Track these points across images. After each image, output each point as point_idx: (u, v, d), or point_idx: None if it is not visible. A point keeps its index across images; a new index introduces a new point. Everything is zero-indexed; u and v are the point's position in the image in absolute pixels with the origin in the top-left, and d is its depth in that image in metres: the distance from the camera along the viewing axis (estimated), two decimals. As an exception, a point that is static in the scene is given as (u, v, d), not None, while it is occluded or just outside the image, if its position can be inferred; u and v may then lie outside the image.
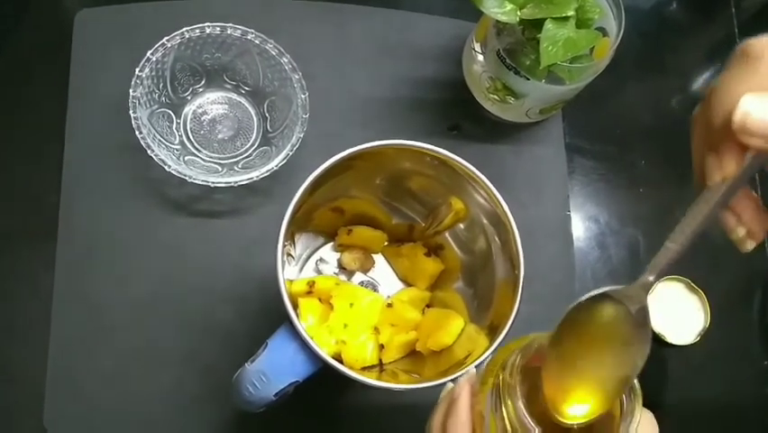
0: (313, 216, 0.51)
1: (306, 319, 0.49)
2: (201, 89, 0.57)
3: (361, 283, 0.55)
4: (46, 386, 0.51)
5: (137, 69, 0.51)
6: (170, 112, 0.56)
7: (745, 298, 0.64)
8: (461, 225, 0.51)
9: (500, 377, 0.29)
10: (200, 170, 0.54)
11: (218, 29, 0.53)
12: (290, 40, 0.55)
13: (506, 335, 0.42)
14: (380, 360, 0.50)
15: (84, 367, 0.52)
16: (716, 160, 0.26)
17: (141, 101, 0.52)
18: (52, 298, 0.53)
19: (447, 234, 0.53)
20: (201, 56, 0.55)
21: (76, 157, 0.55)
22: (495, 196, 0.44)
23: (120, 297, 0.53)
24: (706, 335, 0.60)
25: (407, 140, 0.44)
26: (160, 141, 0.53)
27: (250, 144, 0.57)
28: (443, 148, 0.44)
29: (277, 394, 0.40)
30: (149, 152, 0.50)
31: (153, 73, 0.52)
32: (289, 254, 0.52)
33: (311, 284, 0.49)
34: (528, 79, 0.52)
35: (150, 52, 0.51)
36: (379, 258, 0.56)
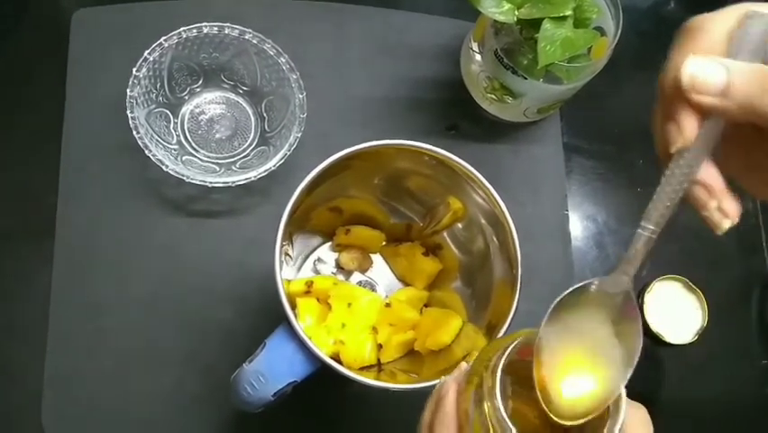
0: (311, 216, 0.51)
1: (305, 319, 0.49)
2: (199, 89, 0.57)
3: (360, 283, 0.55)
4: (44, 386, 0.51)
5: (134, 69, 0.51)
6: (168, 112, 0.56)
7: (743, 297, 0.64)
8: (460, 225, 0.51)
9: (482, 376, 0.29)
10: (198, 170, 0.54)
11: (216, 29, 0.53)
12: (288, 39, 0.55)
13: (504, 334, 0.42)
14: (379, 360, 0.50)
15: (82, 367, 0.52)
16: (675, 126, 0.26)
17: (139, 101, 0.52)
18: (50, 297, 0.53)
19: (445, 234, 0.53)
20: (198, 56, 0.55)
21: (74, 157, 0.55)
22: (493, 195, 0.44)
23: (118, 297, 0.53)
24: (704, 334, 0.60)
25: (406, 140, 0.44)
26: (157, 141, 0.53)
27: (247, 144, 0.57)
28: (442, 148, 0.44)
29: (275, 394, 0.40)
30: (146, 151, 0.50)
31: (151, 73, 0.52)
32: (287, 254, 0.52)
33: (309, 284, 0.49)
34: (526, 79, 0.52)
35: (147, 52, 0.51)
36: (377, 258, 0.56)
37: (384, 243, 0.56)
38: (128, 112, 0.50)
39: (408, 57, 0.63)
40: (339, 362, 0.44)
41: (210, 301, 0.54)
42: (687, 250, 0.64)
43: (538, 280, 0.51)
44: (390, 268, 0.56)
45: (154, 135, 0.53)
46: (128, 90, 0.51)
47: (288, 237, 0.50)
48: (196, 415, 0.52)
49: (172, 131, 0.56)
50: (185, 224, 0.56)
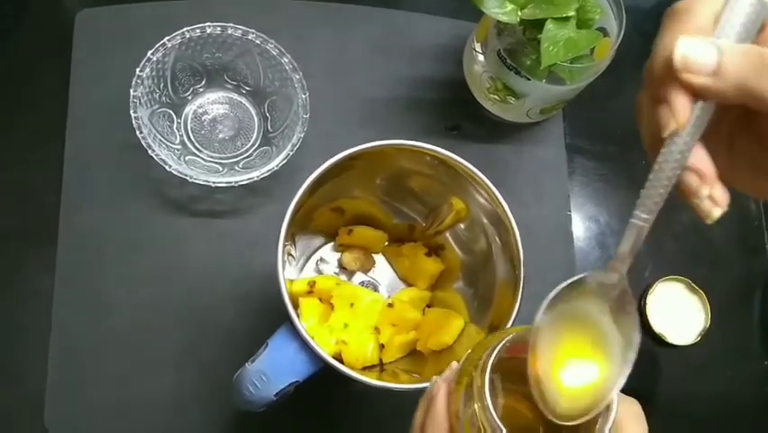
0: (313, 216, 0.51)
1: (307, 319, 0.49)
2: (202, 89, 0.57)
3: (362, 283, 0.55)
4: (47, 386, 0.51)
5: (138, 69, 0.51)
6: (171, 112, 0.56)
7: (745, 298, 0.64)
8: (462, 225, 0.51)
9: (471, 375, 0.29)
10: (201, 170, 0.54)
11: (219, 29, 0.53)
12: (291, 40, 0.55)
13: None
14: (381, 360, 0.50)
15: (85, 367, 0.52)
16: (667, 109, 0.26)
17: (142, 101, 0.52)
18: (53, 298, 0.53)
19: (448, 234, 0.53)
20: (202, 56, 0.55)
21: (76, 157, 0.55)
22: (495, 196, 0.44)
23: (120, 297, 0.54)
24: (706, 335, 0.60)
25: (408, 140, 0.44)
26: (160, 141, 0.53)
27: (250, 144, 0.58)
28: (444, 148, 0.44)
29: (277, 394, 0.41)
30: (149, 151, 0.50)
31: (154, 73, 0.52)
32: (290, 254, 0.52)
33: (312, 284, 0.49)
34: (529, 79, 0.52)
35: (150, 52, 0.51)
36: (379, 258, 0.56)
37: (386, 243, 0.56)
38: (131, 112, 0.50)
39: (410, 57, 0.63)
40: (341, 362, 0.44)
41: (212, 301, 0.54)
42: (689, 251, 0.64)
43: (540, 280, 0.50)
44: (393, 268, 0.57)
45: (157, 135, 0.53)
46: (131, 90, 0.51)
47: (291, 237, 0.50)
48: (199, 414, 0.53)
49: (175, 131, 0.56)
50: (188, 224, 0.56)
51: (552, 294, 0.28)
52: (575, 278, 0.28)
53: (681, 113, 0.25)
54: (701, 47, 0.25)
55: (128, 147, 0.53)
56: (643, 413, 0.30)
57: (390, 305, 0.51)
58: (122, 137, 0.53)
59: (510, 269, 0.44)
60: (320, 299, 0.50)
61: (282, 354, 0.40)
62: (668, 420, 0.60)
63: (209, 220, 0.56)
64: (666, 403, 0.60)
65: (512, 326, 0.42)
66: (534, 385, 0.28)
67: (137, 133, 0.50)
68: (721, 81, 0.25)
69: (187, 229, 0.56)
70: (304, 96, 0.53)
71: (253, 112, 0.58)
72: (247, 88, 0.58)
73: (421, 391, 0.39)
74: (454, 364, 0.34)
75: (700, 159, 0.26)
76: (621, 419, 0.28)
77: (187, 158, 0.55)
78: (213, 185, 0.51)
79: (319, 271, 0.55)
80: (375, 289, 0.55)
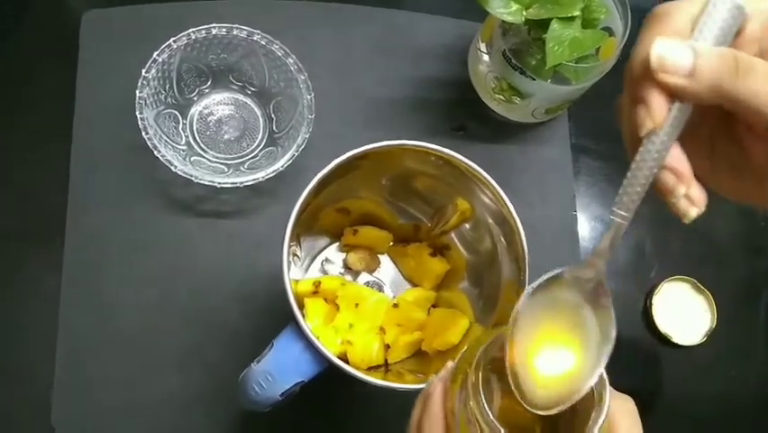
0: (319, 217, 0.51)
1: (312, 320, 0.49)
2: (207, 90, 0.57)
3: (367, 283, 0.55)
4: (54, 386, 0.51)
5: (143, 70, 0.51)
6: (177, 113, 0.56)
7: (751, 298, 0.64)
8: (467, 226, 0.51)
9: (467, 373, 0.29)
10: (206, 171, 0.54)
11: (224, 30, 0.53)
12: (296, 41, 0.55)
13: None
14: (386, 360, 0.50)
15: (91, 367, 0.52)
16: (644, 109, 0.26)
17: (148, 102, 0.52)
18: (59, 298, 0.53)
19: (453, 235, 0.53)
20: (207, 57, 0.55)
21: (83, 157, 0.56)
22: (501, 196, 0.44)
23: (126, 297, 0.54)
24: (712, 335, 0.60)
25: (413, 140, 0.44)
26: (166, 141, 0.53)
27: (256, 145, 0.58)
28: (449, 148, 0.44)
29: (283, 394, 0.41)
30: (155, 152, 0.50)
31: (160, 74, 0.52)
32: (295, 255, 0.52)
33: (317, 284, 0.49)
34: (534, 79, 0.52)
35: (156, 53, 0.52)
36: (384, 258, 0.56)
37: (391, 243, 0.56)
38: (137, 113, 0.51)
39: (415, 57, 0.63)
40: (346, 362, 0.44)
41: (218, 301, 0.55)
42: (695, 251, 0.64)
43: (546, 280, 0.50)
44: (398, 268, 0.57)
45: (163, 136, 0.53)
46: (137, 91, 0.51)
47: (296, 238, 0.50)
48: (204, 414, 0.53)
49: (181, 132, 0.56)
50: (193, 224, 0.56)
51: (530, 287, 0.29)
52: (553, 272, 0.29)
53: (658, 112, 0.26)
54: (677, 48, 0.25)
55: (134, 148, 0.53)
56: (636, 410, 0.30)
57: (395, 305, 0.51)
58: (128, 138, 0.54)
59: (515, 269, 0.44)
60: (325, 300, 0.50)
61: (287, 354, 0.41)
62: (673, 420, 0.60)
63: (214, 221, 0.56)
64: (671, 403, 0.60)
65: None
66: (510, 374, 0.28)
67: (143, 133, 0.50)
68: (696, 82, 0.25)
69: (193, 230, 0.56)
70: (309, 97, 0.53)
71: (259, 113, 0.58)
72: (252, 89, 0.58)
73: (426, 392, 0.40)
74: (450, 363, 0.34)
75: (677, 158, 0.27)
76: (614, 415, 0.29)
77: (192, 159, 0.55)
78: (218, 186, 0.51)
79: (324, 272, 0.55)
80: (380, 289, 0.55)
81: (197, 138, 0.57)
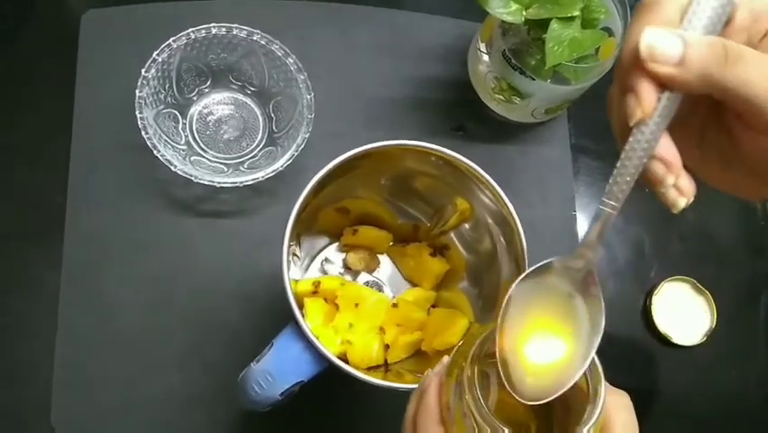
0: (318, 217, 0.51)
1: (312, 319, 0.49)
2: (207, 90, 0.57)
3: (367, 283, 0.55)
4: (53, 386, 0.51)
5: (143, 70, 0.51)
6: (176, 112, 0.56)
7: (751, 298, 0.64)
8: (467, 225, 0.51)
9: (462, 367, 0.29)
10: (206, 171, 0.54)
11: (224, 29, 0.53)
12: (296, 40, 0.55)
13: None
14: (386, 360, 0.50)
15: (91, 366, 0.52)
16: (633, 98, 0.26)
17: (148, 101, 0.52)
18: (59, 298, 0.53)
19: (452, 235, 0.53)
20: (207, 56, 0.55)
21: (82, 157, 0.56)
22: (500, 196, 0.44)
23: (126, 297, 0.54)
24: (712, 335, 0.60)
25: (413, 140, 0.44)
26: (166, 141, 0.53)
27: (255, 145, 0.58)
28: (449, 148, 0.44)
29: (282, 394, 0.41)
30: (155, 152, 0.50)
31: (159, 74, 0.52)
32: (295, 254, 0.52)
33: (316, 284, 0.49)
34: (534, 80, 0.52)
35: (156, 53, 0.52)
36: (384, 258, 0.56)
37: (391, 243, 0.56)
38: (137, 112, 0.51)
39: (415, 57, 0.63)
40: (346, 362, 0.44)
41: (218, 301, 0.55)
42: (695, 251, 0.64)
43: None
44: (397, 268, 0.57)
45: (163, 136, 0.53)
46: (137, 91, 0.51)
47: (296, 238, 0.50)
48: (204, 414, 0.53)
49: (180, 131, 0.56)
50: (193, 224, 0.56)
51: (520, 277, 0.29)
52: (543, 262, 0.29)
53: (647, 101, 0.26)
54: (667, 38, 0.25)
55: (133, 147, 0.53)
56: (631, 404, 0.30)
57: (395, 305, 0.51)
58: (127, 138, 0.54)
59: (515, 269, 0.44)
60: (325, 300, 0.50)
61: (287, 354, 0.41)
62: (672, 421, 0.60)
63: (214, 220, 0.56)
64: (671, 403, 0.60)
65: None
66: (500, 362, 0.28)
67: (142, 133, 0.50)
68: (686, 71, 0.25)
69: (193, 229, 0.56)
70: (309, 97, 0.53)
71: (258, 112, 0.58)
72: (252, 89, 0.58)
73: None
74: (446, 358, 0.34)
75: (667, 148, 0.27)
76: (609, 410, 0.29)
77: (192, 158, 0.55)
78: (218, 185, 0.51)
79: (324, 272, 0.55)
80: (380, 289, 0.55)
81: (197, 138, 0.57)
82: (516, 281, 0.29)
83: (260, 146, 0.57)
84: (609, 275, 0.62)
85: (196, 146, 0.57)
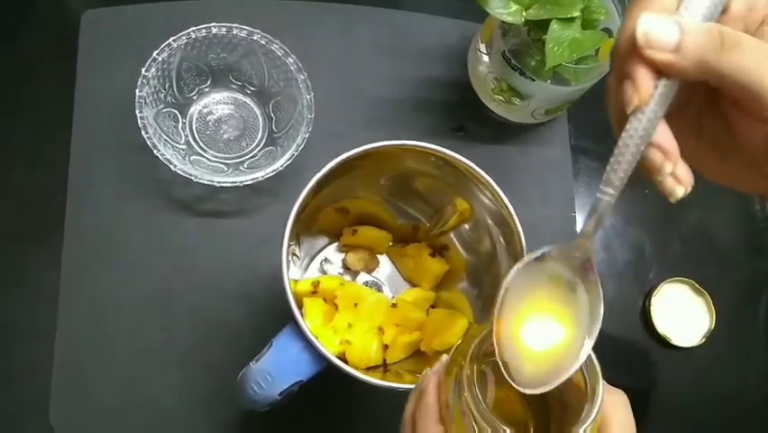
0: (318, 217, 0.51)
1: (311, 319, 0.49)
2: (207, 89, 0.57)
3: (366, 283, 0.55)
4: (52, 385, 0.51)
5: (143, 69, 0.51)
6: (176, 112, 0.56)
7: (750, 299, 0.64)
8: (466, 226, 0.51)
9: (461, 366, 0.29)
10: (206, 170, 0.54)
11: (224, 29, 0.53)
12: (296, 40, 0.55)
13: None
14: (385, 360, 0.50)
15: (90, 366, 0.52)
16: (630, 85, 0.26)
17: (148, 101, 0.52)
18: (58, 297, 0.53)
19: (452, 235, 0.53)
20: (207, 56, 0.55)
21: (82, 156, 0.56)
22: (500, 196, 0.44)
23: (126, 296, 0.54)
24: (711, 336, 0.60)
25: (412, 140, 0.44)
26: (165, 140, 0.53)
27: (255, 144, 0.58)
28: (449, 148, 0.44)
29: (281, 393, 0.41)
30: (155, 151, 0.50)
31: (159, 73, 0.52)
32: (294, 254, 0.52)
33: (316, 284, 0.49)
34: (534, 80, 0.52)
35: (156, 52, 0.52)
36: (383, 258, 0.56)
37: (391, 243, 0.56)
38: (137, 112, 0.51)
39: (415, 58, 0.63)
40: (345, 362, 0.44)
41: (217, 301, 0.55)
42: (694, 252, 0.64)
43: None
44: (397, 268, 0.57)
45: (163, 135, 0.53)
46: (137, 90, 0.51)
47: (296, 237, 0.50)
48: (203, 413, 0.53)
49: (180, 131, 0.56)
50: (192, 224, 0.56)
51: (518, 264, 0.29)
52: (541, 250, 0.29)
53: (644, 88, 0.26)
54: (663, 24, 0.25)
55: (133, 147, 0.53)
56: (628, 403, 0.30)
57: (394, 305, 0.51)
58: (127, 137, 0.54)
59: (515, 269, 0.44)
60: (324, 300, 0.50)
61: (286, 353, 0.41)
62: (672, 422, 0.60)
63: (214, 220, 0.56)
64: (670, 405, 0.60)
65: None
66: (498, 351, 0.28)
67: (142, 132, 0.50)
68: (682, 58, 0.25)
69: (192, 229, 0.56)
70: (308, 97, 0.53)
71: (258, 112, 0.58)
72: (252, 89, 0.58)
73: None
74: (444, 357, 0.34)
75: (664, 136, 0.27)
76: (606, 409, 0.29)
77: (192, 158, 0.55)
78: (218, 185, 0.51)
79: (323, 272, 0.55)
80: (379, 289, 0.55)
81: (197, 137, 0.57)
82: (514, 268, 0.29)
83: (260, 146, 0.57)
84: (609, 276, 0.62)
85: (195, 146, 0.57)
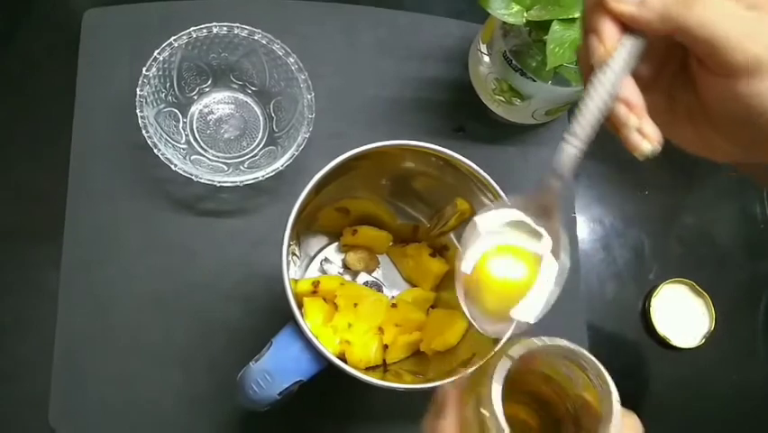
0: (318, 216, 0.51)
1: (311, 319, 0.49)
2: (208, 89, 0.57)
3: (366, 283, 0.55)
4: (52, 384, 0.51)
5: (144, 69, 0.51)
6: (177, 111, 0.56)
7: (750, 301, 0.64)
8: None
9: (482, 384, 0.30)
10: (206, 170, 0.54)
11: (225, 29, 0.53)
12: (297, 40, 0.55)
13: (510, 336, 0.41)
14: (384, 360, 0.50)
15: (90, 365, 0.52)
16: (595, 38, 0.27)
17: (148, 100, 0.52)
18: (58, 296, 0.53)
19: (452, 235, 0.53)
20: (208, 56, 0.55)
21: (83, 156, 0.56)
22: (500, 197, 0.44)
23: (126, 295, 0.54)
24: (711, 338, 0.60)
25: (413, 140, 0.44)
26: (166, 140, 0.53)
27: (256, 144, 0.58)
28: (449, 149, 0.44)
29: (281, 393, 0.41)
30: (155, 150, 0.50)
31: (160, 72, 0.53)
32: (294, 254, 0.52)
33: (316, 284, 0.49)
34: (534, 81, 0.52)
35: (157, 52, 0.52)
36: (383, 258, 0.56)
37: (391, 243, 0.56)
38: (137, 111, 0.51)
39: (416, 58, 0.63)
40: (345, 361, 0.44)
41: (217, 300, 0.55)
42: (694, 253, 0.64)
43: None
44: (397, 269, 0.57)
45: (163, 135, 0.53)
46: (138, 89, 0.51)
47: (296, 237, 0.50)
48: (203, 413, 0.53)
49: (181, 130, 0.56)
50: (193, 223, 0.56)
51: (482, 210, 0.31)
52: (505, 198, 0.32)
53: (609, 39, 0.26)
54: None
55: (134, 146, 0.53)
56: (641, 425, 0.31)
57: (394, 305, 0.51)
58: (128, 136, 0.54)
59: (515, 270, 0.44)
60: (324, 299, 0.50)
61: (286, 353, 0.41)
62: (671, 422, 0.60)
63: (214, 219, 0.56)
64: (670, 405, 0.60)
65: (515, 326, 0.41)
66: (460, 293, 0.30)
67: (143, 132, 0.50)
68: (646, 11, 0.26)
69: (192, 228, 0.56)
70: (309, 97, 0.53)
71: (259, 112, 0.58)
72: (253, 88, 0.58)
73: (424, 392, 0.40)
74: (466, 373, 0.35)
75: (630, 90, 0.27)
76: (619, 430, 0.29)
77: (192, 157, 0.55)
78: (218, 184, 0.51)
79: (323, 272, 0.55)
80: (379, 289, 0.55)
81: (197, 137, 0.57)
82: (478, 214, 0.30)
83: (261, 146, 0.58)
84: (609, 276, 0.62)
85: (196, 145, 0.57)
